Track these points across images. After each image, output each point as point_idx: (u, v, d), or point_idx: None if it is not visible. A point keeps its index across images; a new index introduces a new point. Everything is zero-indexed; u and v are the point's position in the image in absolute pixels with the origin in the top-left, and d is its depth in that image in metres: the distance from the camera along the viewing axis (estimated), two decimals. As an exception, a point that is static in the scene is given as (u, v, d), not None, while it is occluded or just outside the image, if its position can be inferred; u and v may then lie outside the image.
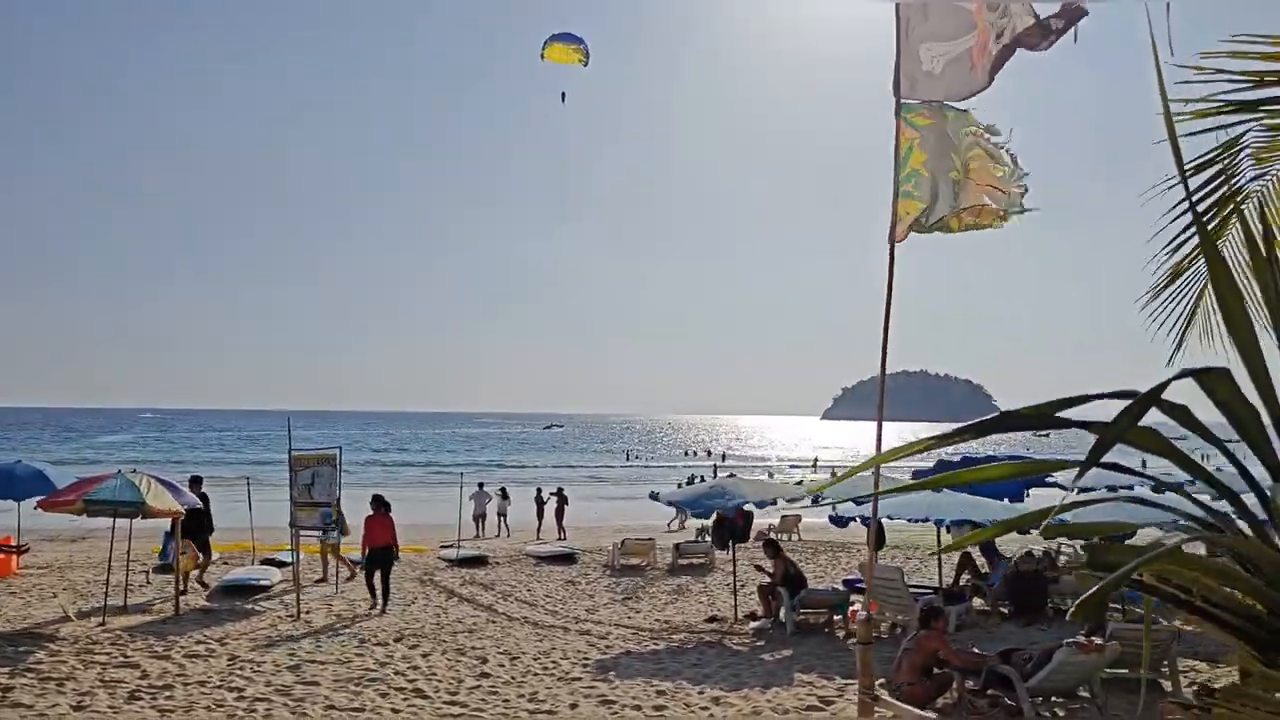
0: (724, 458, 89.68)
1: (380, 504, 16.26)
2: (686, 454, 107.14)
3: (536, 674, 11.68)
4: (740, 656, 12.85)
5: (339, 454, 16.59)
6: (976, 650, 10.59)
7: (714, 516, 16.21)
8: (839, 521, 14.94)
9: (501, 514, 31.38)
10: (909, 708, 7.36)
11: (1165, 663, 10.46)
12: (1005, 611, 15.20)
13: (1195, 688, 10.75)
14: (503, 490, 32.72)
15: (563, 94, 21.89)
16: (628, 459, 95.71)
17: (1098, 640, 9.40)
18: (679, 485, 32.99)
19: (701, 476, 40.67)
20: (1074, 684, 9.62)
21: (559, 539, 28.16)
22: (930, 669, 9.96)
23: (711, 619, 15.41)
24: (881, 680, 10.19)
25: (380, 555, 15.83)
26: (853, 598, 14.54)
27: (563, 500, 31.46)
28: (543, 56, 20.52)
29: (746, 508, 15.46)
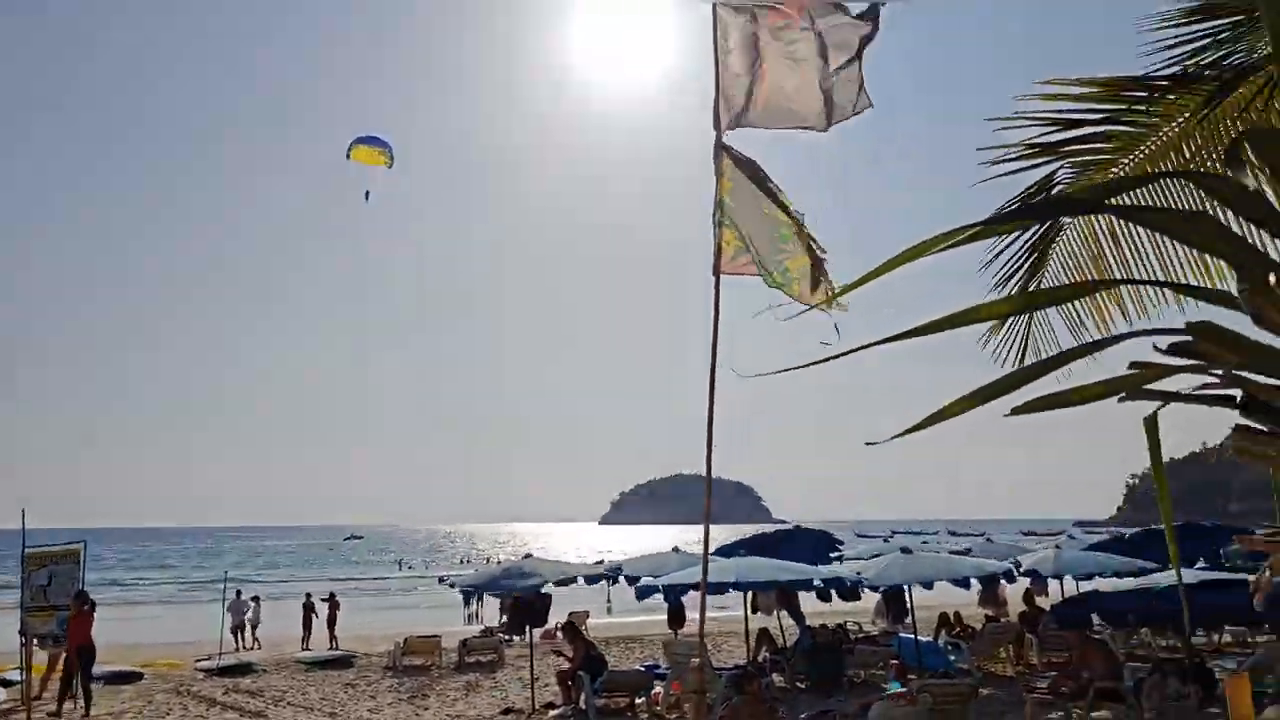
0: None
1: (84, 600, 14.63)
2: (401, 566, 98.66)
3: (319, 775, 10.45)
4: (544, 744, 12.07)
5: (84, 549, 14.74)
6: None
7: (509, 600, 15.45)
8: (643, 593, 14.49)
9: (253, 624, 28.43)
10: None
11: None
12: (801, 685, 15.17)
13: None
14: (255, 599, 29.77)
15: (366, 193, 22.39)
16: (400, 568, 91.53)
17: (911, 693, 9.41)
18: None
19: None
20: (890, 738, 9.55)
21: (331, 649, 26.04)
22: (745, 737, 9.63)
23: (507, 711, 14.51)
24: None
25: (86, 653, 14.36)
26: (655, 681, 14.12)
27: (334, 606, 29.25)
28: (349, 156, 21.20)
29: (545, 589, 14.78)
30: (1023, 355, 6.58)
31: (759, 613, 13.89)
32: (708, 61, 7.12)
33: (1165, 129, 5.82)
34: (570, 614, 23.01)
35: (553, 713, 14.06)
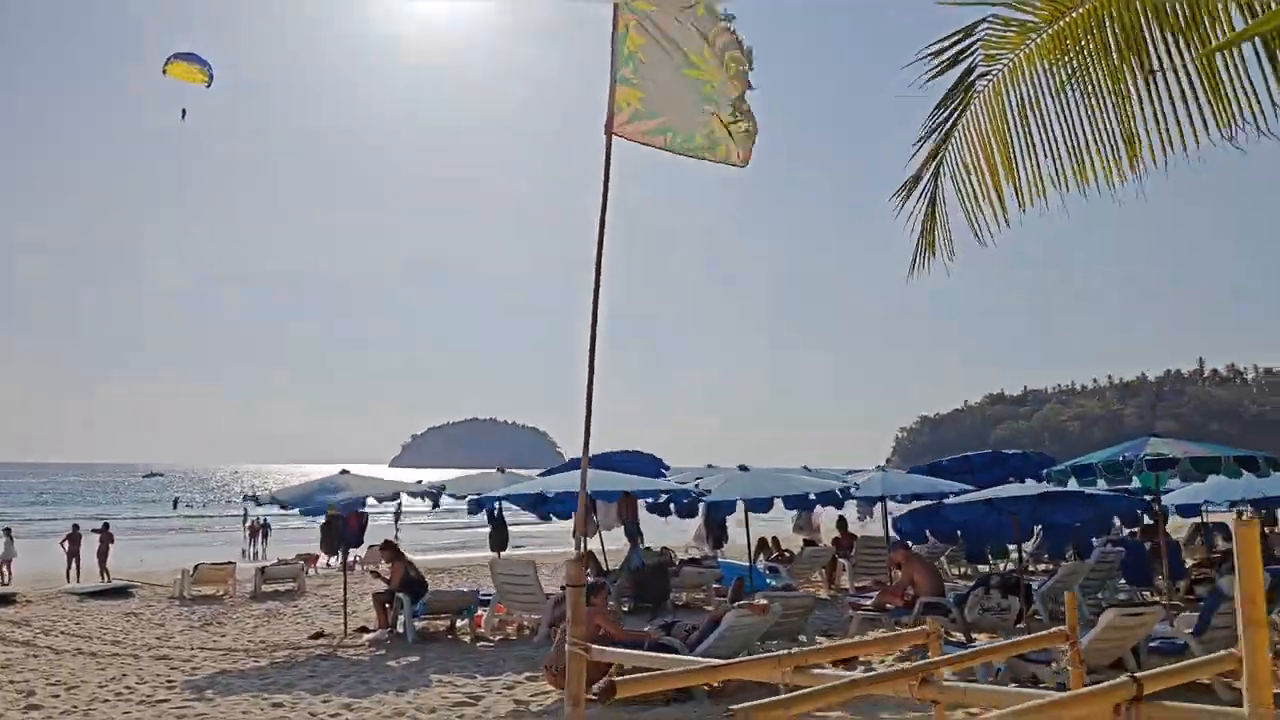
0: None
1: None
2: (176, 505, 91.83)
3: (107, 700, 9.26)
4: (362, 665, 11.21)
5: None
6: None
7: (324, 517, 14.32)
8: (480, 506, 13.67)
9: (4, 559, 25.21)
10: (625, 651, 6.46)
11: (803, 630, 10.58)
12: (626, 608, 14.92)
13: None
14: (6, 530, 26.35)
15: (183, 111, 21.46)
16: (175, 506, 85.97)
17: (762, 602, 9.21)
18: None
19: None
20: (740, 646, 9.32)
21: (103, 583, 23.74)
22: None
23: (318, 635, 13.50)
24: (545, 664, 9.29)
25: None
26: (479, 604, 13.49)
27: (107, 538, 26.72)
28: (164, 71, 20.25)
29: (361, 509, 13.76)
30: (931, 227, 6.35)
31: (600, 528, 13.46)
32: None
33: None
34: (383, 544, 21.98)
35: (367, 636, 13.18)
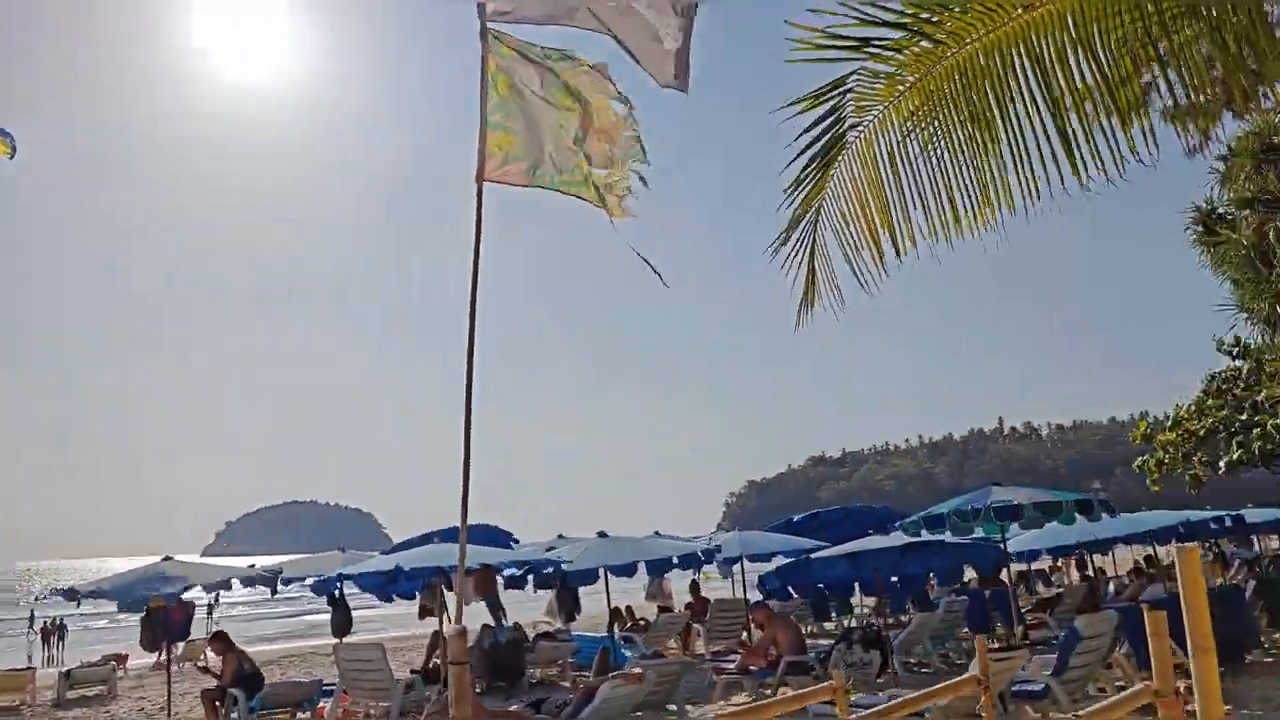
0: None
1: None
2: None
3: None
4: (194, 773, 10.16)
5: None
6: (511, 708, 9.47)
7: (145, 609, 13.07)
8: (324, 588, 12.74)
9: None
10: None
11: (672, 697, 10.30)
12: (479, 688, 14.20)
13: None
14: None
15: None
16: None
17: (637, 670, 8.89)
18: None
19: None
20: (616, 718, 8.95)
21: None
22: (457, 733, 8.59)
23: (138, 743, 12.24)
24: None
25: None
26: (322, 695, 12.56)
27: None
28: None
29: (186, 597, 12.65)
30: (811, 272, 6.34)
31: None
32: None
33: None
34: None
35: (197, 739, 12.02)
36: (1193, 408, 24.99)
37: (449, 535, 14.79)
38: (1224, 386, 23.84)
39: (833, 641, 12.15)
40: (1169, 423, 24.88)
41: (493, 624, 14.59)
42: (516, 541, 15.93)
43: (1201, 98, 5.53)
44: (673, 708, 10.32)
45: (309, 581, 12.84)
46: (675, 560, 13.30)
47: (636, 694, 8.93)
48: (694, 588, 18.24)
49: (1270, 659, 11.60)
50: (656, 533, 18.17)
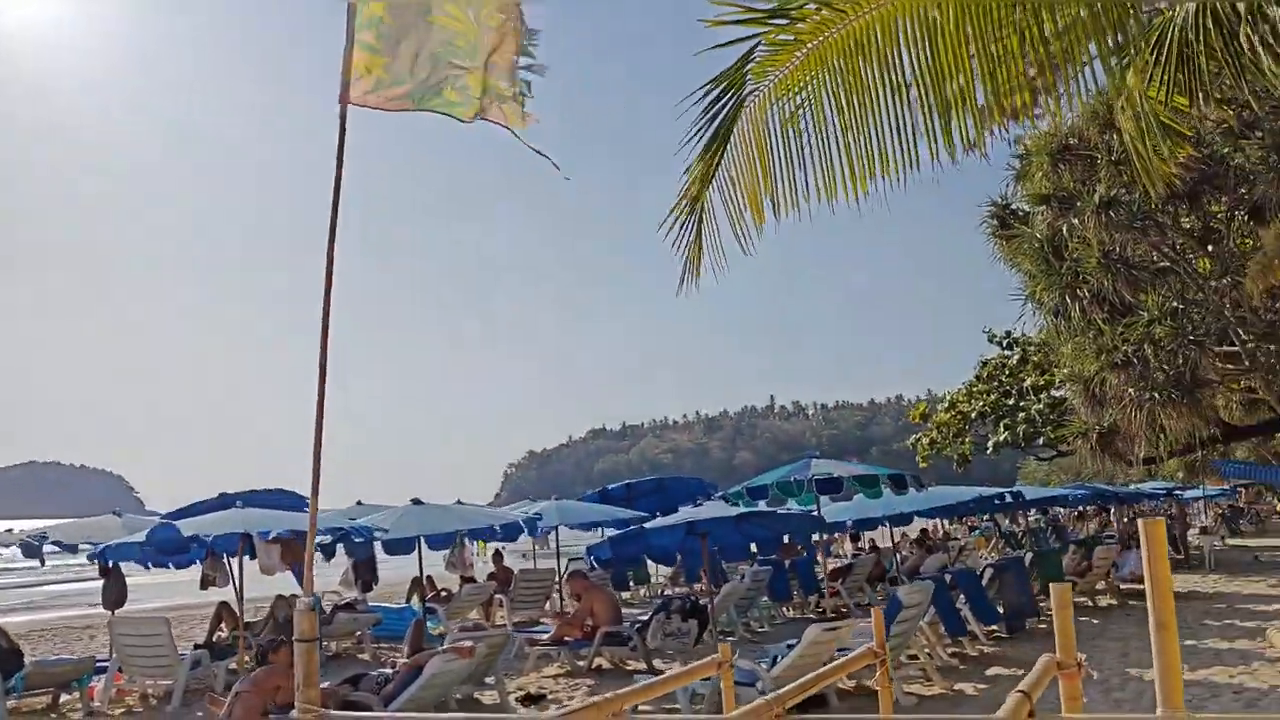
0: None
1: None
2: None
3: None
4: (-58, 765, 8.90)
5: None
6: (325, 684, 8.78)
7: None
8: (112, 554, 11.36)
9: None
10: (374, 715, 5.48)
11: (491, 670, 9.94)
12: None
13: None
14: None
15: None
16: None
17: (468, 643, 8.47)
18: None
19: None
20: (441, 694, 8.50)
21: None
22: (267, 713, 7.91)
23: None
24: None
25: None
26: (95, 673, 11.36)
27: None
28: None
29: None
30: (697, 245, 6.16)
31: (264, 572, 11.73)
32: None
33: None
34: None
35: (-60, 726, 10.57)
36: (963, 391, 26.97)
37: (251, 500, 13.74)
38: (993, 373, 25.90)
39: (648, 611, 12.12)
40: (944, 404, 26.79)
41: (287, 595, 13.68)
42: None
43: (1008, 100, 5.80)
44: (490, 680, 9.95)
45: (101, 548, 11.51)
46: (498, 529, 12.88)
47: (466, 667, 8.52)
48: (498, 557, 17.85)
49: (1043, 625, 12.52)
50: (459, 501, 17.62)
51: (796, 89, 6.03)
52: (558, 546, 15.80)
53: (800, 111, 5.92)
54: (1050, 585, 3.77)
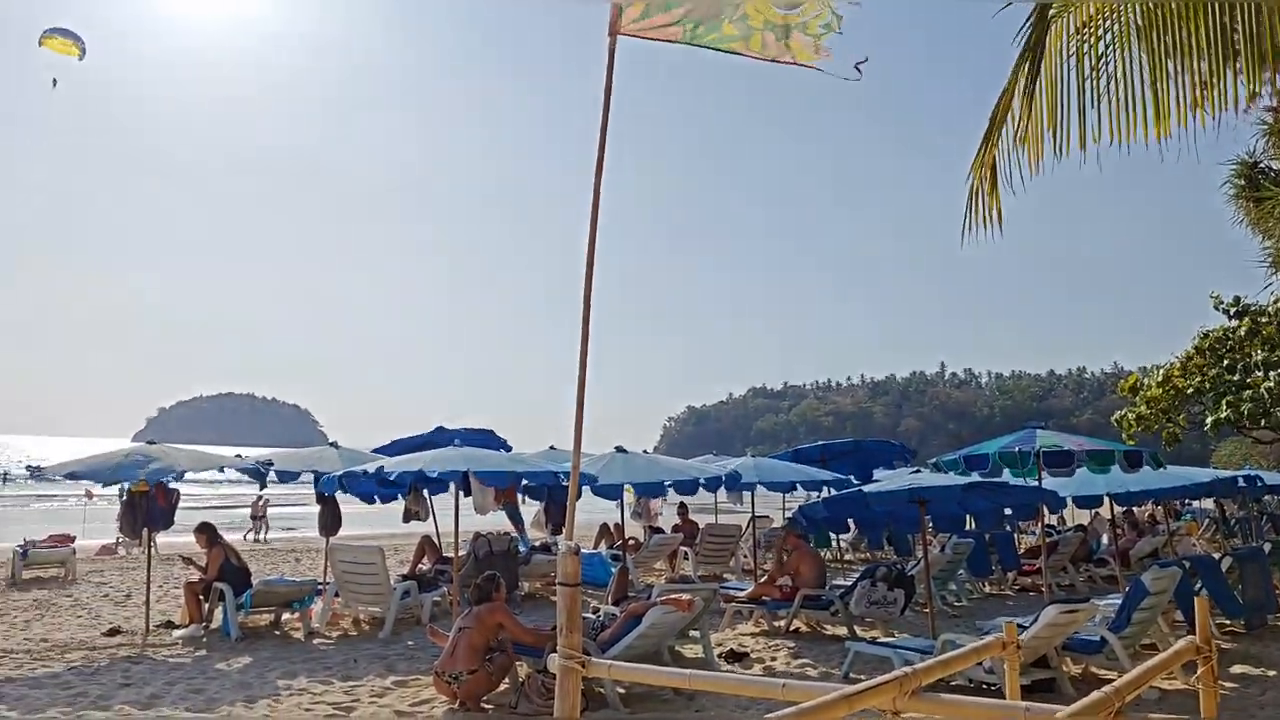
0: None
1: None
2: None
3: None
4: (185, 670, 9.46)
5: None
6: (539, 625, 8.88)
7: (125, 492, 12.18)
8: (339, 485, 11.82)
9: None
10: (634, 666, 5.38)
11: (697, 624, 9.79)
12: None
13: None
14: None
15: (54, 80, 22.45)
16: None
17: (686, 596, 8.34)
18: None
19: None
20: (655, 647, 8.43)
21: None
22: (489, 651, 8.01)
23: (114, 631, 11.47)
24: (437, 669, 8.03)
25: None
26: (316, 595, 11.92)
27: None
28: (40, 44, 21.22)
29: (172, 484, 11.80)
30: (992, 185, 5.71)
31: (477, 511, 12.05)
32: None
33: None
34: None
35: (178, 632, 11.30)
36: (1178, 365, 24.98)
37: (445, 438, 14.07)
38: (1215, 346, 23.82)
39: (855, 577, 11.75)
40: (1158, 377, 24.89)
41: (485, 534, 14.00)
42: (509, 448, 15.26)
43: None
44: (694, 634, 9.83)
45: (324, 478, 12.03)
46: (702, 482, 12.76)
47: (681, 622, 8.41)
48: (683, 510, 17.81)
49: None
50: (618, 447, 17.57)
51: (1103, 19, 5.46)
52: (753, 503, 15.55)
53: (1108, 48, 5.36)
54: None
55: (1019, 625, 8.49)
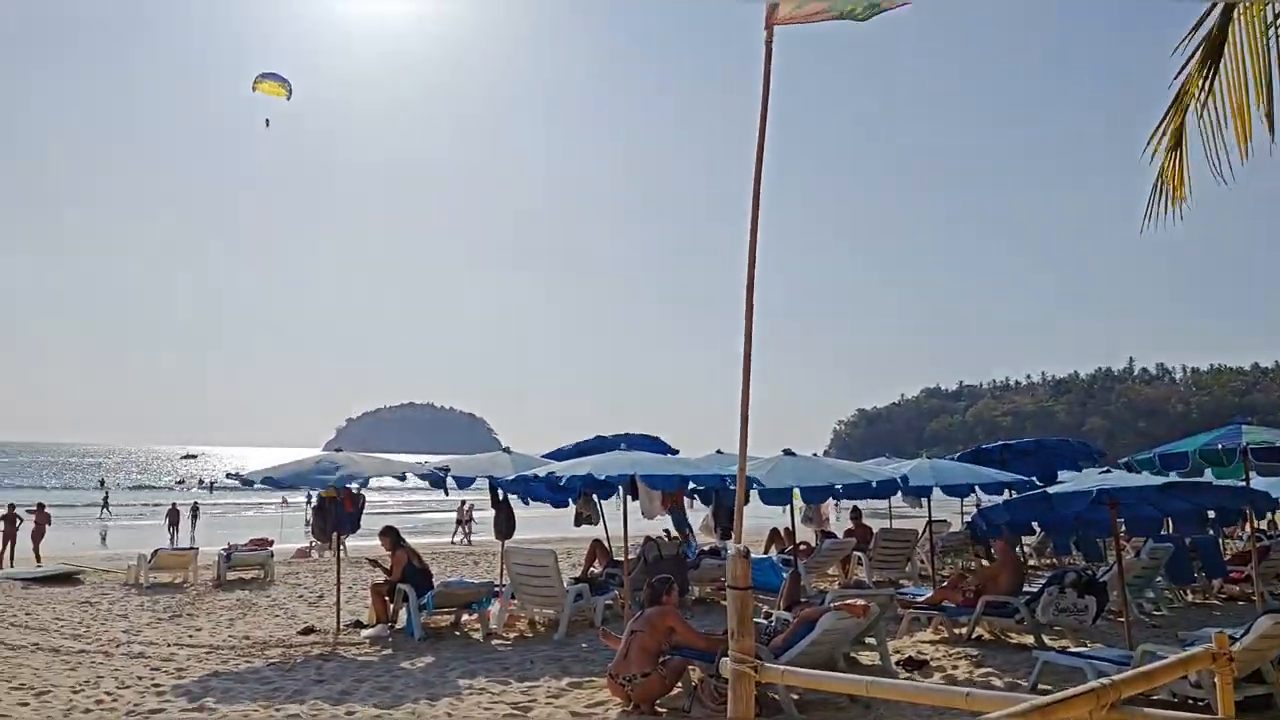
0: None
1: None
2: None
3: (89, 710, 7.84)
4: (372, 667, 9.88)
5: None
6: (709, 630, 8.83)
7: (315, 499, 12.87)
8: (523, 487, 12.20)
9: None
10: (811, 672, 5.28)
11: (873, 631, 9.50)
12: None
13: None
14: None
15: (267, 120, 26.26)
16: (103, 488, 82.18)
17: (861, 602, 8.11)
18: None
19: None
20: (830, 653, 8.23)
21: (37, 567, 21.81)
22: (661, 654, 8.00)
23: (308, 630, 12.11)
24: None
25: None
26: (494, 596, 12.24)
27: (44, 519, 24.82)
28: (254, 88, 24.36)
29: (356, 489, 12.37)
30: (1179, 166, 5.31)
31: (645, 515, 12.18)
32: None
33: None
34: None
35: (366, 632, 11.82)
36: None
37: (612, 444, 14.19)
38: None
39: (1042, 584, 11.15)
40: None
41: (655, 538, 14.06)
42: (675, 453, 15.28)
43: None
44: (870, 640, 9.54)
45: (508, 480, 12.39)
46: (874, 485, 12.41)
47: (856, 628, 8.18)
48: (855, 514, 17.41)
49: None
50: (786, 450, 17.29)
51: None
52: (929, 507, 15.03)
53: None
54: None
55: (1230, 636, 7.88)
